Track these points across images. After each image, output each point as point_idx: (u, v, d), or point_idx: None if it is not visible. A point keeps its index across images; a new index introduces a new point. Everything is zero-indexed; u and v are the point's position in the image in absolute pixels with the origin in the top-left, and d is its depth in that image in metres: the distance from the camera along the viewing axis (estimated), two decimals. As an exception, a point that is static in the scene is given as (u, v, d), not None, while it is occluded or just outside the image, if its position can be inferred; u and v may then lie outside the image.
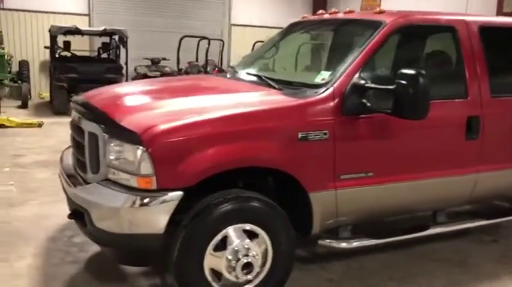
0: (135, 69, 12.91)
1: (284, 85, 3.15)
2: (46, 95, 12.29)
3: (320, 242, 3.15)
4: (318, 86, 3.02)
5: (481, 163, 3.44)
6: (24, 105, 10.82)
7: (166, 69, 13.13)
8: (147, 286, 3.23)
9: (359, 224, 3.35)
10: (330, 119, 2.91)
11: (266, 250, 2.87)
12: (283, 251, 2.91)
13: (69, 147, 3.79)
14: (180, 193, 2.61)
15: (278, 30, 4.15)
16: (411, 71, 2.72)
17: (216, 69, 13.51)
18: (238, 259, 2.73)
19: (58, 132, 8.46)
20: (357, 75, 2.98)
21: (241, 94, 3.12)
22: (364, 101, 2.93)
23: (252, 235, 2.82)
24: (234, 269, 2.73)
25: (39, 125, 8.66)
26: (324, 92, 2.95)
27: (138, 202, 2.57)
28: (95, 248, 3.69)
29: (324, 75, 3.07)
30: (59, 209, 4.47)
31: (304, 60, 3.91)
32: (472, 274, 3.52)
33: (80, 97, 3.46)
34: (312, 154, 2.89)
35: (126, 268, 3.39)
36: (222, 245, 2.75)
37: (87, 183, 2.85)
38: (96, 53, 12.45)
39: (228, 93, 3.24)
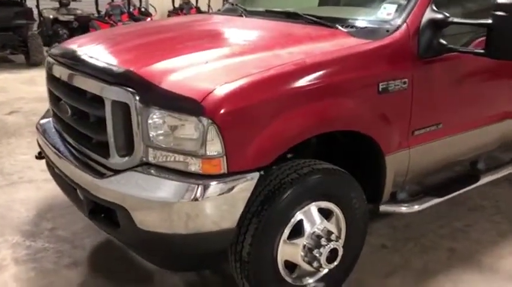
0: (41, 13, 11.17)
1: (336, 23, 2.52)
2: None
3: (382, 208, 2.70)
4: (384, 22, 2.45)
5: None
6: None
7: (79, 11, 11.56)
8: (183, 284, 2.59)
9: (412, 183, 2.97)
10: (408, 64, 2.37)
11: (340, 230, 2.37)
12: (357, 229, 2.43)
13: (44, 116, 2.91)
14: (256, 175, 1.98)
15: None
16: (513, 0, 2.23)
17: (137, 9, 12.20)
18: (321, 246, 2.19)
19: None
20: (429, 7, 2.44)
21: (299, 38, 2.42)
22: (442, 39, 2.43)
23: (324, 214, 2.29)
24: (315, 258, 2.19)
25: None
26: (397, 30, 2.38)
27: (202, 193, 1.90)
28: (91, 240, 2.97)
29: (388, 9, 2.49)
30: (18, 195, 3.62)
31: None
32: (514, 222, 3.33)
33: (62, 49, 2.55)
34: (390, 109, 2.36)
35: (146, 263, 2.70)
36: (295, 230, 2.20)
37: (109, 169, 2.10)
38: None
39: (281, 38, 2.50)
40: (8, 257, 2.82)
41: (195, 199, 1.90)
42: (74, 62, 2.36)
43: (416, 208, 2.81)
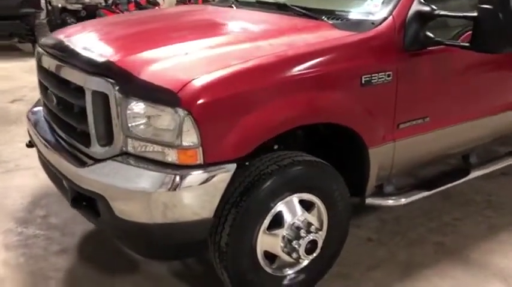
0: (50, 2, 11.24)
1: (323, 15, 2.52)
2: None
3: (368, 201, 2.70)
4: (370, 14, 2.43)
5: None
6: None
7: (87, 0, 11.62)
8: (168, 274, 2.63)
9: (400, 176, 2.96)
10: (392, 57, 2.36)
11: (321, 222, 2.38)
12: (339, 222, 2.43)
13: (34, 106, 2.96)
14: (233, 166, 1.99)
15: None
16: (500, -7, 2.20)
17: (145, -1, 12.20)
18: (300, 237, 2.21)
19: (-26, 80, 7.18)
20: (416, -1, 2.41)
21: (283, 30, 2.42)
22: (428, 32, 2.41)
23: (306, 206, 2.31)
24: (294, 250, 2.21)
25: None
26: (382, 22, 2.36)
27: (179, 183, 1.92)
28: (81, 229, 3.01)
29: (375, 1, 2.47)
30: (14, 182, 3.69)
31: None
32: (507, 217, 3.29)
33: (51, 39, 2.58)
34: (374, 102, 2.36)
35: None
36: (275, 221, 2.21)
37: (92, 159, 2.13)
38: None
39: (265, 29, 2.52)
40: (0, 242, 2.88)
41: (171, 189, 1.93)
42: (59, 52, 2.39)
43: (403, 201, 2.80)
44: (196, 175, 1.93)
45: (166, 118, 1.90)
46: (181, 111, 1.86)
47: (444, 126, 2.72)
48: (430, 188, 2.89)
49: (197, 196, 1.97)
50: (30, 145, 2.82)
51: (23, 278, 2.56)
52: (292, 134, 2.46)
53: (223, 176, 1.97)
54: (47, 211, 3.24)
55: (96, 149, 2.10)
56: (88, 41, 2.42)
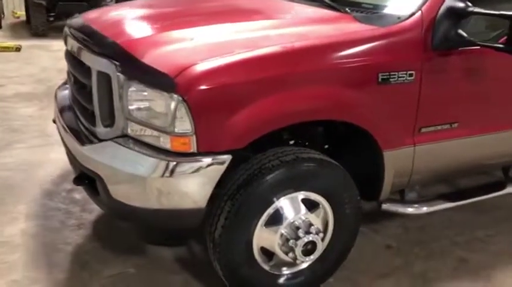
0: (119, -15, 11.61)
1: (349, 8, 2.39)
2: (21, 13, 11.06)
3: (384, 206, 2.56)
4: (398, 8, 2.28)
5: None
6: (-4, 25, 9.73)
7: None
8: (172, 258, 2.63)
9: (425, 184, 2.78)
10: (417, 55, 2.20)
11: (326, 222, 2.28)
12: (346, 225, 2.32)
13: (63, 84, 3.05)
14: (228, 157, 1.94)
15: None
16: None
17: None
18: (298, 237, 2.12)
19: (39, 58, 7.55)
20: (451, -6, 2.23)
21: (299, 20, 2.34)
22: (460, 31, 2.22)
23: (309, 205, 2.21)
24: (291, 249, 2.13)
25: (17, 49, 7.69)
26: (409, 18, 2.21)
27: (171, 170, 1.90)
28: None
29: (405, -6, 2.32)
30: (51, 155, 3.82)
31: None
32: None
33: (76, 19, 2.65)
34: (391, 102, 2.21)
35: (144, 235, 2.78)
36: (275, 218, 2.14)
37: (98, 139, 2.15)
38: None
39: (280, 18, 2.44)
40: (23, 211, 3.02)
41: (164, 176, 1.91)
42: (78, 33, 2.43)
43: (425, 210, 2.65)
44: (188, 163, 1.90)
45: (162, 103, 1.88)
46: (176, 98, 1.83)
47: (475, 134, 2.51)
48: (456, 200, 2.70)
49: (189, 184, 1.94)
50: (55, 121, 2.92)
51: (34, 247, 2.66)
52: (310, 132, 2.39)
53: (217, 166, 1.93)
54: (72, 186, 3.32)
55: (100, 130, 2.12)
56: (104, 23, 2.45)
